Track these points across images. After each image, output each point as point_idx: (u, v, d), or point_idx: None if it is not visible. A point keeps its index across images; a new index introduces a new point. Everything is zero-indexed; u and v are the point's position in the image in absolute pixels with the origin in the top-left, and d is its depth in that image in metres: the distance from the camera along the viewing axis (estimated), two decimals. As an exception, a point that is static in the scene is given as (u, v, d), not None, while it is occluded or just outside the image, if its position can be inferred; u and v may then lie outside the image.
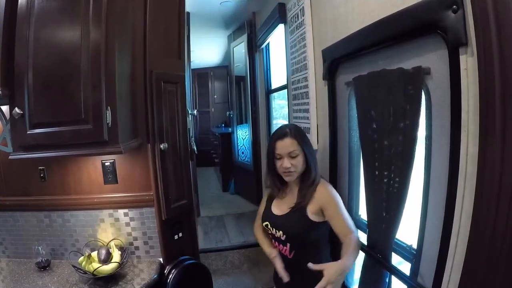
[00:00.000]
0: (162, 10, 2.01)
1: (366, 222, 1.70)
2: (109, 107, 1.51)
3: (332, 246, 1.77)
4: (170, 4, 2.05)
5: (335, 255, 1.60)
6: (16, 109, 1.51)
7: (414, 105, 1.27)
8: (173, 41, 2.09)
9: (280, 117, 4.41)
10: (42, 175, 2.00)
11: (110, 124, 1.51)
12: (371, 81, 1.53)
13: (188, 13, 3.85)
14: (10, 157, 1.60)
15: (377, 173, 1.54)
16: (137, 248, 2.05)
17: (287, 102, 3.12)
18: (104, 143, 1.53)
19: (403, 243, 1.50)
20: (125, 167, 1.98)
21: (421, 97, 1.25)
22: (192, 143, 2.44)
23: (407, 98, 1.30)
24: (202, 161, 6.37)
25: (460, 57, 1.03)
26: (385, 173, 1.47)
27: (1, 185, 2.05)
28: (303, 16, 2.33)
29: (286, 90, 3.16)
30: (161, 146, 1.94)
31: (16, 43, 1.53)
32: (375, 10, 1.46)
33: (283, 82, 3.37)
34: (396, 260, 1.51)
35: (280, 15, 2.93)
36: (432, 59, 1.19)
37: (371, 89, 1.54)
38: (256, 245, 3.27)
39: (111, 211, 2.01)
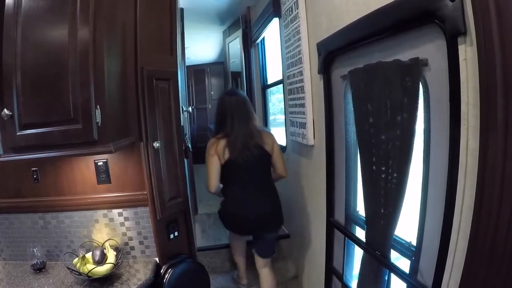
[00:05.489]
0: (153, 6, 1.96)
1: (364, 219, 1.68)
2: (98, 106, 1.47)
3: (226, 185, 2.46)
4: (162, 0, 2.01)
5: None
6: (5, 110, 1.47)
7: (411, 98, 1.23)
8: (165, 38, 2.04)
9: (278, 112, 4.38)
10: (35, 176, 1.96)
11: (99, 123, 1.47)
12: (367, 74, 1.50)
13: (182, 9, 3.81)
14: (0, 159, 1.57)
15: (374, 168, 1.50)
16: (132, 248, 2.03)
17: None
18: (94, 143, 1.49)
19: (402, 239, 1.48)
20: (118, 166, 1.94)
21: (418, 90, 1.21)
22: (186, 141, 2.40)
23: (404, 90, 1.26)
24: (200, 158, 6.32)
25: (459, 47, 1.00)
26: (383, 168, 1.44)
27: (-7, 188, 2.02)
28: (297, 9, 2.29)
29: (282, 85, 3.12)
30: (154, 145, 1.90)
31: (3, 43, 1.49)
32: (371, 1, 1.42)
33: (279, 77, 3.34)
34: (395, 256, 1.49)
35: (275, 9, 2.90)
36: (429, 50, 1.16)
37: (367, 82, 1.50)
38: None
39: (105, 211, 1.98)
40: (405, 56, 1.25)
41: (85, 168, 1.94)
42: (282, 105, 3.95)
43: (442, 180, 1.12)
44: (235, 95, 2.50)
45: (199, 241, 3.47)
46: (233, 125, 2.36)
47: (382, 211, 1.47)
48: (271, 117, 4.41)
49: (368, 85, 1.49)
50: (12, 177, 2.00)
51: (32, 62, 1.49)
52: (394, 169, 1.37)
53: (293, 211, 3.03)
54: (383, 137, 1.42)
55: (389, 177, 1.40)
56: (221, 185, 2.48)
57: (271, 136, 2.46)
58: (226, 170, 2.38)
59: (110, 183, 1.95)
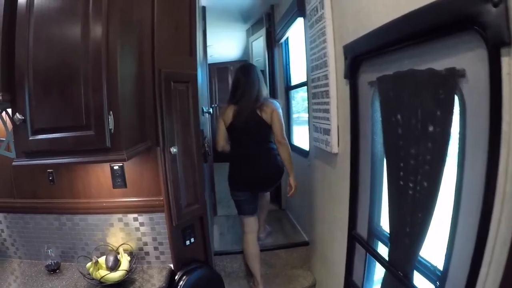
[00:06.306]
0: (172, 4, 1.90)
1: (388, 235, 1.57)
2: (111, 112, 1.41)
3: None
4: (181, -1, 1.95)
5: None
6: (17, 114, 1.44)
7: (445, 111, 1.12)
8: (184, 38, 1.97)
9: (302, 110, 4.30)
10: (50, 178, 1.95)
11: (112, 130, 1.41)
12: (397, 81, 1.39)
13: (204, 7, 3.77)
14: (13, 163, 1.54)
15: (401, 183, 1.40)
16: (147, 253, 1.99)
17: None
18: (107, 150, 1.44)
19: (428, 262, 1.37)
20: (134, 171, 1.90)
21: (453, 103, 1.09)
22: (206, 144, 2.34)
23: (437, 103, 1.15)
24: (222, 156, 6.31)
25: (502, 59, 0.88)
26: (411, 184, 1.33)
27: (11, 187, 2.02)
28: (322, 9, 2.19)
29: (305, 87, 3.04)
30: (171, 150, 1.85)
31: (16, 46, 1.45)
32: (402, 2, 1.31)
33: (303, 78, 3.26)
34: (419, 278, 1.39)
35: (299, 8, 2.80)
36: (468, 60, 1.04)
37: (397, 90, 1.39)
38: (272, 249, 3.23)
39: (120, 215, 1.94)
40: (440, 65, 1.14)
41: (100, 172, 1.91)
42: (306, 103, 3.90)
43: (476, 205, 1.01)
44: (247, 70, 2.89)
45: (217, 244, 3.42)
46: (241, 96, 2.79)
47: (408, 229, 1.36)
48: (294, 115, 4.33)
49: (398, 94, 1.38)
50: (28, 178, 1.99)
51: (44, 65, 1.45)
52: (423, 187, 1.26)
53: (314, 218, 2.95)
54: (412, 151, 1.31)
55: (417, 194, 1.29)
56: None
57: (271, 106, 2.77)
58: (229, 133, 2.88)
59: (126, 187, 1.92)
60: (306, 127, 3.28)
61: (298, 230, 3.66)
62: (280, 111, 2.81)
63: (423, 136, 1.23)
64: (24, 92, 1.45)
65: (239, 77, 2.85)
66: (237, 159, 2.90)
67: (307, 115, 3.58)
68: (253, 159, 2.82)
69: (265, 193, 3.35)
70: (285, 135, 2.79)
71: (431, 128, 1.19)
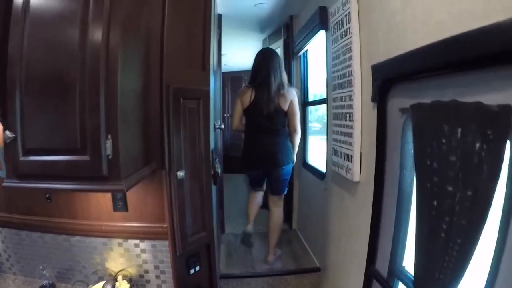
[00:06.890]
0: (185, 13, 1.75)
1: (413, 278, 1.39)
2: (109, 136, 1.24)
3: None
4: (194, 6, 1.79)
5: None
6: (7, 132, 1.29)
7: (492, 155, 0.93)
8: (196, 50, 1.82)
9: (314, 120, 4.16)
10: (47, 195, 1.82)
11: (110, 156, 1.25)
12: (436, 112, 1.20)
13: (220, 15, 3.68)
14: (3, 184, 1.39)
15: (433, 225, 1.21)
16: (148, 281, 1.85)
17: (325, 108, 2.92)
18: (104, 179, 1.27)
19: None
20: (136, 194, 1.75)
21: (504, 147, 0.91)
22: (216, 165, 2.17)
23: (484, 144, 0.96)
24: (233, 167, 6.17)
25: None
26: (444, 226, 1.14)
27: (7, 202, 1.91)
28: (349, 23, 2.01)
29: (325, 105, 2.88)
30: (178, 174, 1.70)
31: (8, 58, 1.30)
32: (446, 23, 1.14)
33: (322, 93, 3.12)
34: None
35: (321, 20, 2.63)
36: (526, 97, 0.86)
37: (434, 122, 1.21)
38: (281, 274, 3.06)
39: (120, 240, 1.81)
40: (490, 99, 0.95)
41: (100, 193, 1.77)
42: (318, 113, 3.99)
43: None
44: (268, 56, 3.04)
45: (223, 265, 3.26)
46: (262, 82, 2.94)
47: (437, 275, 1.18)
48: (309, 124, 4.19)
49: (436, 125, 1.19)
50: (23, 194, 1.87)
51: (38, 76, 1.30)
52: (459, 230, 1.07)
53: (327, 244, 2.76)
54: (450, 188, 1.13)
55: (451, 239, 1.11)
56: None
57: (289, 95, 2.98)
58: (246, 114, 3.07)
59: (127, 211, 1.77)
60: (317, 137, 3.48)
61: (309, 254, 3.49)
62: (297, 99, 3.05)
63: (463, 178, 1.05)
64: (15, 106, 1.29)
65: (261, 62, 3.00)
66: (251, 138, 3.11)
67: (318, 125, 3.83)
68: (265, 138, 3.02)
69: (277, 207, 3.35)
70: (299, 124, 3.09)
71: (473, 172, 1.01)
